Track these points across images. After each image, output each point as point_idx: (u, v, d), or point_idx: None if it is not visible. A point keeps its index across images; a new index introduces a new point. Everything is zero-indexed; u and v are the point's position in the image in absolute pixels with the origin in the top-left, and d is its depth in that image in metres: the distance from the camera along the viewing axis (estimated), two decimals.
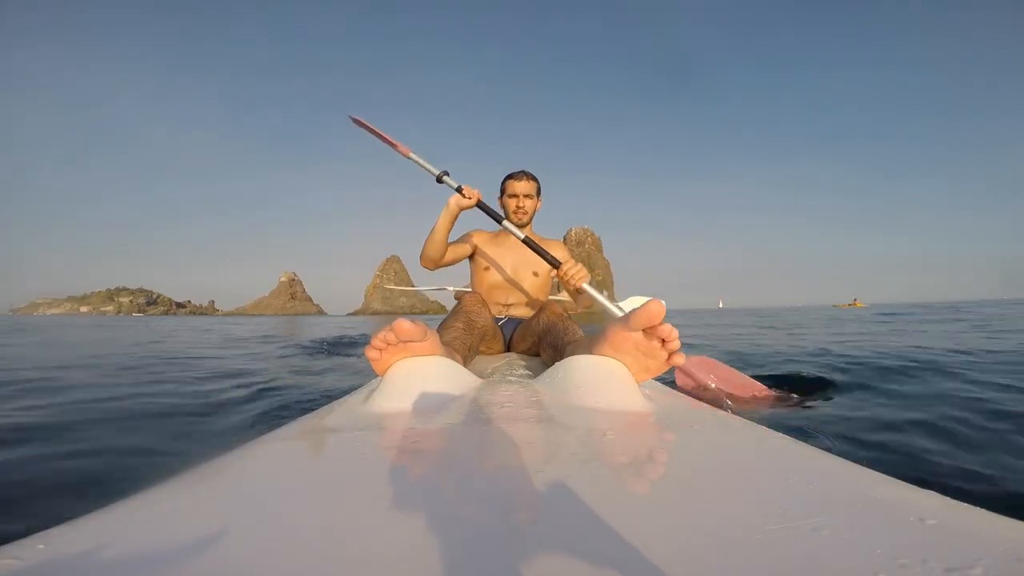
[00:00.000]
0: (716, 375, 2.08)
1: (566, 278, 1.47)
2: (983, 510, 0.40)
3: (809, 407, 1.96)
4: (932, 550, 0.32)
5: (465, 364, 1.24)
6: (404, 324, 0.84)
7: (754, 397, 2.05)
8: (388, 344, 0.87)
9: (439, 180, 1.66)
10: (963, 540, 0.34)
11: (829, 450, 0.58)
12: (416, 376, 0.85)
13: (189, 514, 0.42)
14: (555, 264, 1.54)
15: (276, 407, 2.10)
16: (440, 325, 1.42)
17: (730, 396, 2.00)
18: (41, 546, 0.36)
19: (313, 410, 0.91)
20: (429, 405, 0.79)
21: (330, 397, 2.07)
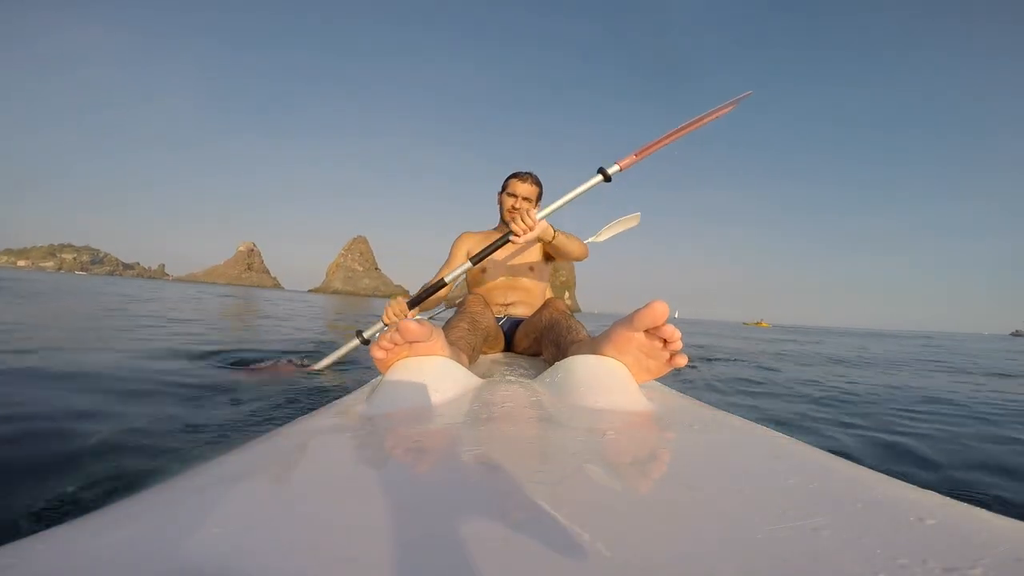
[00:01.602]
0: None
1: (519, 232, 1.44)
2: (983, 510, 0.40)
3: None
4: (932, 550, 0.32)
5: (470, 364, 1.24)
6: (410, 325, 0.84)
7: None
8: (395, 344, 0.87)
9: (366, 343, 1.61)
10: (963, 540, 0.34)
11: (829, 450, 0.60)
12: (416, 376, 0.85)
13: (189, 514, 0.42)
14: (505, 239, 1.51)
15: None
16: (444, 325, 1.42)
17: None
18: (41, 546, 0.36)
19: (313, 409, 0.90)
20: (429, 405, 0.79)
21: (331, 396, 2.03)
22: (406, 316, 1.56)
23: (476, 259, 1.59)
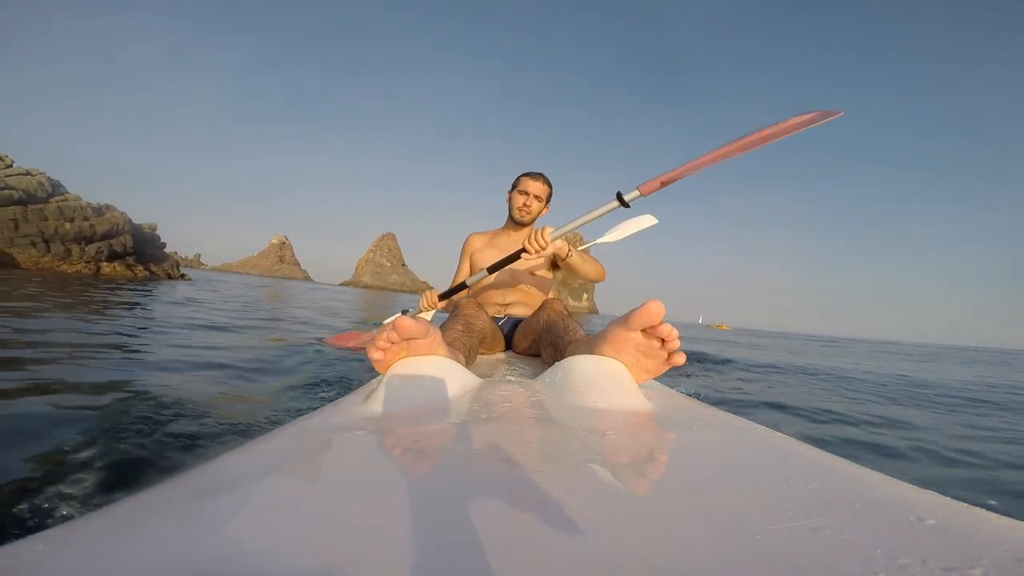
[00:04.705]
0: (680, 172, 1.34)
1: (534, 252, 1.41)
2: (983, 510, 0.40)
3: None
4: (932, 550, 0.32)
5: (466, 365, 1.22)
6: (406, 322, 0.83)
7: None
8: (392, 343, 0.86)
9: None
10: (963, 540, 0.34)
11: (829, 450, 0.59)
12: (415, 376, 0.85)
13: (189, 514, 0.42)
14: (516, 256, 1.50)
15: None
16: (440, 327, 1.40)
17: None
18: (41, 546, 0.36)
19: (313, 410, 0.90)
20: (429, 405, 0.79)
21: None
22: (436, 307, 1.69)
23: (492, 269, 1.62)
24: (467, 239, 1.99)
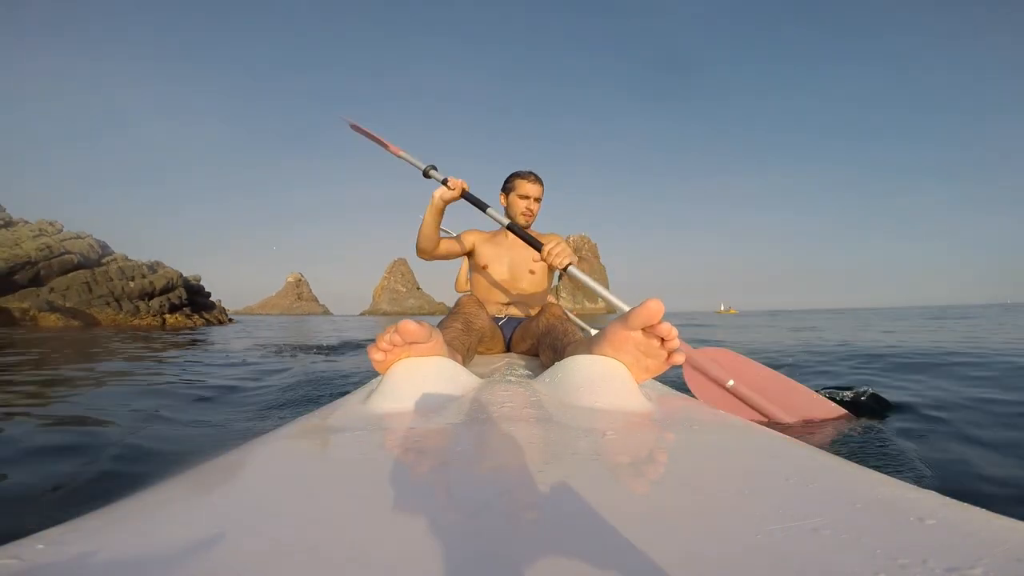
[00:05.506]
0: (739, 373, 1.55)
1: (548, 259, 1.45)
2: (983, 510, 0.40)
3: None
4: (932, 550, 0.32)
5: (464, 364, 1.24)
6: (409, 325, 0.84)
7: (805, 420, 1.51)
8: (394, 345, 0.86)
9: (426, 175, 1.72)
10: (963, 540, 0.34)
11: (830, 451, 0.58)
12: (416, 376, 0.85)
13: (189, 514, 0.42)
14: (537, 247, 1.52)
15: None
16: (439, 325, 1.41)
17: (762, 410, 1.51)
18: (41, 546, 0.36)
19: (313, 410, 0.91)
20: (429, 405, 0.79)
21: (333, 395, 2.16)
22: (457, 193, 1.62)
23: (511, 227, 1.61)
24: (467, 231, 1.99)
